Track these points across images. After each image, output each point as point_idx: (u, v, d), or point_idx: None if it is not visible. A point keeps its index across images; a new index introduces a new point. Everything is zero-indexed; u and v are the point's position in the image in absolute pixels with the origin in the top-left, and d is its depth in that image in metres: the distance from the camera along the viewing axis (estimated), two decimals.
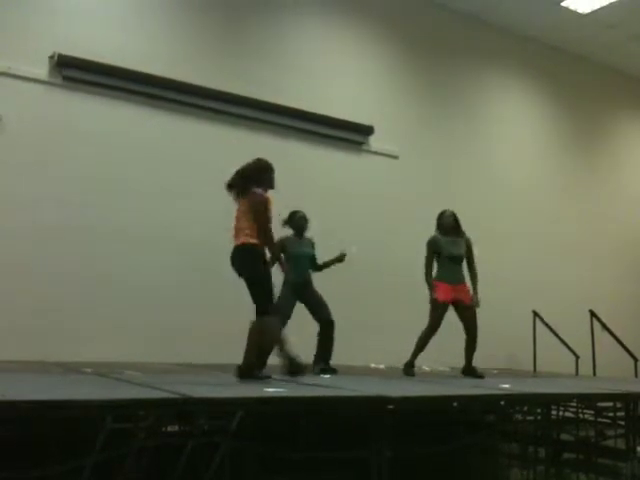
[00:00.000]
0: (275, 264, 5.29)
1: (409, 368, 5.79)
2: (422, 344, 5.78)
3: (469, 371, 5.81)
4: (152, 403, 2.99)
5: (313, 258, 5.86)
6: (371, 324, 7.61)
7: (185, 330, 6.52)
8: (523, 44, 9.91)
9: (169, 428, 3.46)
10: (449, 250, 5.79)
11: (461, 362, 5.90)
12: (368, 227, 8.07)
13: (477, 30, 9.48)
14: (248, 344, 4.43)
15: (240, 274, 4.51)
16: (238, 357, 4.62)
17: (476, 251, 5.90)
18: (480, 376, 5.66)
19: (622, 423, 5.08)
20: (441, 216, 5.92)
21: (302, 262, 5.75)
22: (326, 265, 5.86)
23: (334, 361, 5.75)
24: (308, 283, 5.75)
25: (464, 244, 5.86)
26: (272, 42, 7.90)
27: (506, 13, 9.32)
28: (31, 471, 2.83)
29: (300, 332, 5.00)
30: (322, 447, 3.49)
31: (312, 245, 5.88)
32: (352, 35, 8.58)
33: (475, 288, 5.80)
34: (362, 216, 8.07)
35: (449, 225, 5.85)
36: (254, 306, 4.47)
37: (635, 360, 8.50)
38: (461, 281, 5.82)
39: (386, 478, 3.49)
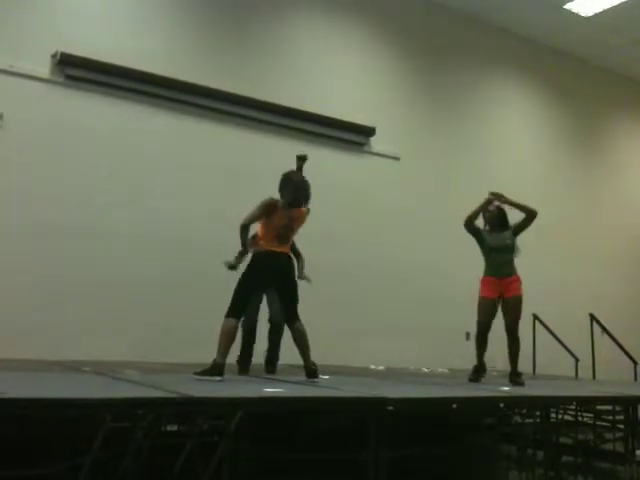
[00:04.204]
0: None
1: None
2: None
3: (511, 377, 5.48)
4: (151, 402, 2.98)
5: None
6: (371, 325, 7.60)
7: (185, 329, 6.50)
8: (525, 46, 9.91)
9: (168, 428, 3.45)
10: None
11: (459, 364, 5.89)
12: (369, 228, 8.07)
13: (479, 32, 9.48)
14: (308, 347, 4.56)
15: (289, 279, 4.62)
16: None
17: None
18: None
19: (621, 426, 5.07)
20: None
21: None
22: None
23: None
24: None
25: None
26: (273, 42, 7.90)
27: (508, 15, 9.32)
28: (30, 469, 2.83)
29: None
30: (321, 448, 3.48)
31: None
32: (354, 36, 8.58)
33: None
34: (363, 217, 8.07)
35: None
36: (292, 312, 4.59)
37: (635, 363, 8.48)
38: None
39: None
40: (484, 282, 5.56)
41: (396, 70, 8.89)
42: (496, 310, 5.54)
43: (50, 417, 2.90)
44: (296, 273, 4.80)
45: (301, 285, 4.94)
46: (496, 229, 5.63)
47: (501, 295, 5.50)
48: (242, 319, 5.16)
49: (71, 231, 6.42)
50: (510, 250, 5.57)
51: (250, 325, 5.31)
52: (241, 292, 4.48)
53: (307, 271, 5.39)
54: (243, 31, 7.71)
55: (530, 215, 5.58)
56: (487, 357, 5.64)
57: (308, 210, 4.76)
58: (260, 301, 5.32)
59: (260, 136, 7.56)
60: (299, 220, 4.68)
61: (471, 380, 5.45)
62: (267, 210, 4.56)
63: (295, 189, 4.60)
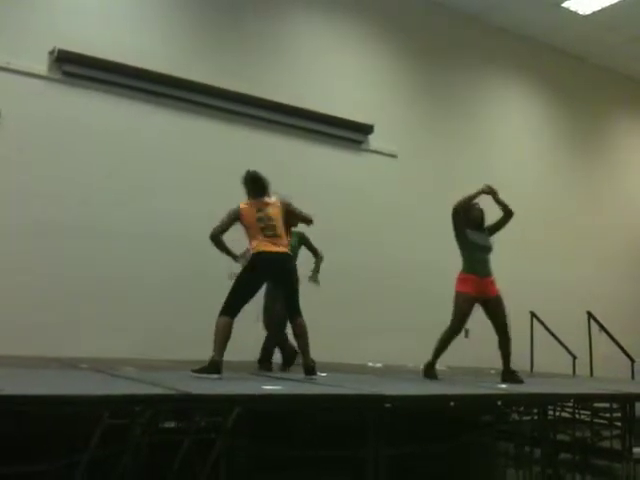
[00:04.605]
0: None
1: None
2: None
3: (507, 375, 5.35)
4: (149, 399, 2.99)
5: None
6: (369, 324, 7.61)
7: (185, 329, 6.50)
8: (523, 45, 9.91)
9: (166, 424, 3.47)
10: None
11: (459, 362, 5.89)
12: (367, 227, 8.07)
13: (477, 30, 9.49)
14: (308, 344, 4.57)
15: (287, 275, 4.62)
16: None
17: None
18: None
19: (618, 424, 5.09)
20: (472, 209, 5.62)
21: None
22: None
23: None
24: None
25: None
26: (273, 40, 7.90)
27: (506, 14, 9.32)
28: (27, 466, 2.84)
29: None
30: (319, 445, 3.49)
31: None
32: (352, 34, 8.58)
33: None
34: (360, 215, 8.08)
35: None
36: (294, 308, 4.60)
37: (632, 361, 8.49)
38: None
39: (383, 477, 3.50)
40: (464, 280, 5.39)
41: (396, 69, 8.89)
42: (472, 309, 5.42)
43: (48, 414, 2.91)
44: (297, 269, 4.80)
45: (303, 283, 4.96)
46: (477, 229, 5.64)
47: (482, 295, 5.37)
48: (263, 317, 5.43)
49: (71, 230, 6.42)
50: (490, 250, 5.59)
51: (279, 323, 5.41)
52: (236, 293, 4.48)
53: (305, 269, 5.40)
54: (242, 29, 7.71)
55: (509, 215, 5.61)
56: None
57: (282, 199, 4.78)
58: (280, 297, 5.11)
59: (259, 134, 7.56)
60: (272, 208, 4.65)
61: (428, 376, 5.32)
62: (234, 217, 4.61)
63: (252, 182, 4.70)
